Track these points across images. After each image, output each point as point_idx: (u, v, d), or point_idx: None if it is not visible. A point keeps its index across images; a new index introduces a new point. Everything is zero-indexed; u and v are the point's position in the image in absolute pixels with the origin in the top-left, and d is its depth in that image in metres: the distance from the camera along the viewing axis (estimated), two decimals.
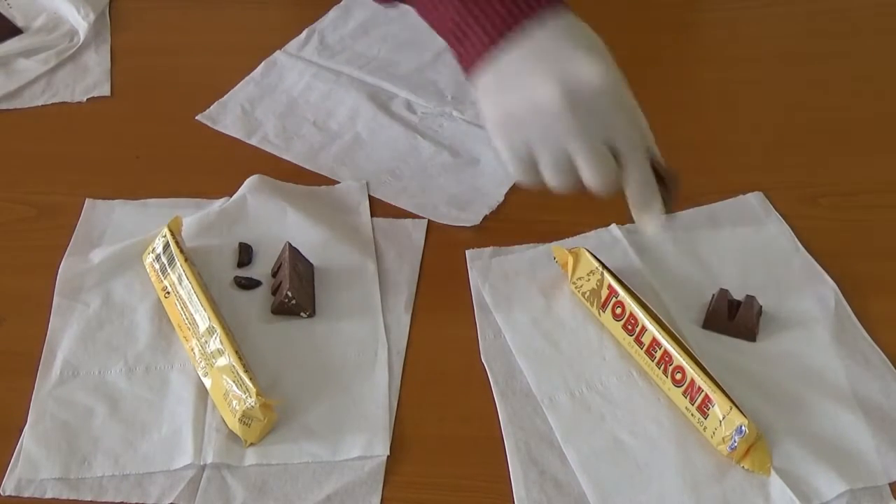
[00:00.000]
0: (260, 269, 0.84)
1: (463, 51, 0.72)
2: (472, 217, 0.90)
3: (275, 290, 0.81)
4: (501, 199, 0.91)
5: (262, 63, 1.08)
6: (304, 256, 0.83)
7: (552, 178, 0.72)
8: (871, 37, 1.11)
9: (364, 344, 0.78)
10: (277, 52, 1.10)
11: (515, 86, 0.69)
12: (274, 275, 0.83)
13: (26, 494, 0.69)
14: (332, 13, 1.16)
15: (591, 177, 0.70)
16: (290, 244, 0.83)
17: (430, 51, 1.10)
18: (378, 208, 0.90)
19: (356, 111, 1.02)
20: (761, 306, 0.78)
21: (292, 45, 1.11)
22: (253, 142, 0.98)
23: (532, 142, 0.70)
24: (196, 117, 1.01)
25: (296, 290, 0.79)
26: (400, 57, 1.09)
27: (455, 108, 1.02)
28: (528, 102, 0.69)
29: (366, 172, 0.94)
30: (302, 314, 0.80)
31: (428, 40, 1.12)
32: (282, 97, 1.04)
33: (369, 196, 0.92)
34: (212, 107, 1.02)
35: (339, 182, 0.93)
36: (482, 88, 0.71)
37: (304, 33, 1.13)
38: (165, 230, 0.83)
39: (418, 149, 0.97)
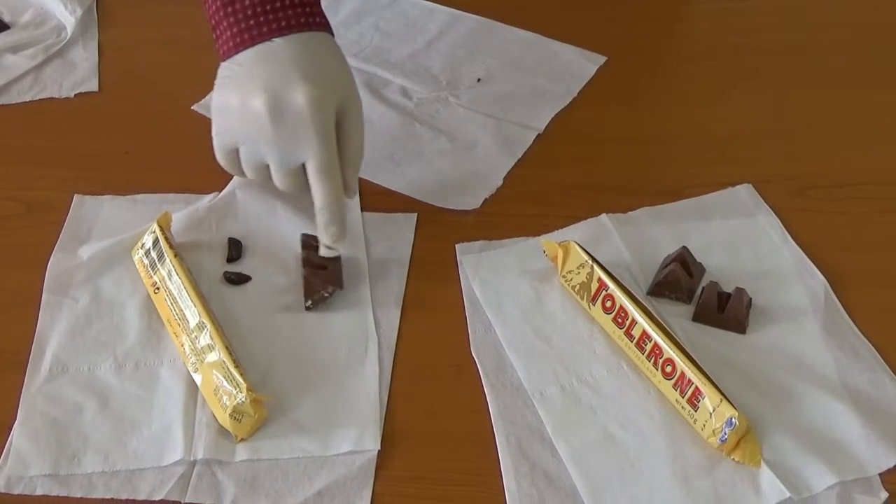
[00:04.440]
0: (249, 264, 0.84)
1: (217, 46, 0.82)
2: (472, 201, 0.90)
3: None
4: (500, 182, 0.92)
5: None
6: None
7: (248, 172, 0.82)
8: (861, 29, 1.11)
9: (354, 338, 0.78)
10: None
11: (239, 86, 0.78)
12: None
13: (16, 491, 0.69)
14: (323, 2, 1.15)
15: (278, 184, 0.81)
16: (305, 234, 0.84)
17: (422, 37, 1.10)
18: (368, 202, 0.90)
19: None
20: (751, 298, 0.78)
21: None
22: None
23: (237, 139, 0.80)
24: (192, 107, 1.01)
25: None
26: (393, 44, 1.09)
27: (450, 93, 1.02)
28: (242, 103, 0.78)
29: (364, 159, 0.94)
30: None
31: (421, 27, 1.12)
32: None
33: (366, 184, 0.91)
34: (208, 96, 1.01)
35: None
36: (218, 77, 0.81)
37: None
38: (155, 226, 0.83)
39: (415, 135, 0.98)
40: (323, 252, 0.81)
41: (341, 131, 0.80)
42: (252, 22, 0.79)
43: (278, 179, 0.81)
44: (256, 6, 0.79)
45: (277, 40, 0.78)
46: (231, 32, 0.79)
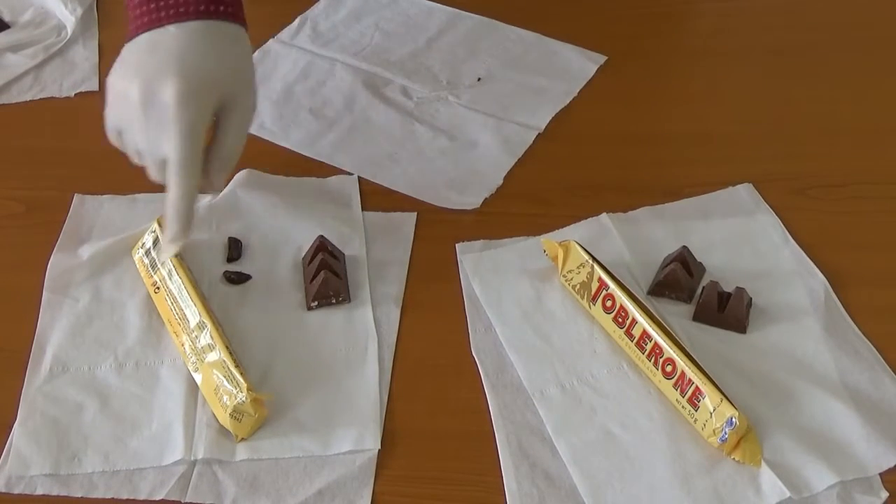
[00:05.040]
0: (249, 263, 0.84)
1: (129, 25, 0.80)
2: (472, 200, 0.90)
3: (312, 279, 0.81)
4: (500, 182, 0.92)
5: (256, 52, 1.08)
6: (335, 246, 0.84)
7: (130, 156, 0.82)
8: (861, 29, 1.11)
9: (354, 338, 0.78)
10: (270, 40, 1.10)
11: (124, 71, 0.78)
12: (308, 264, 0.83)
13: (16, 491, 0.69)
14: (324, 1, 1.16)
15: (150, 173, 0.80)
16: (322, 236, 0.84)
17: (423, 36, 1.10)
18: (368, 201, 0.90)
19: (352, 98, 1.02)
20: (751, 298, 0.78)
21: (285, 33, 1.11)
22: (251, 130, 0.98)
23: (119, 121, 0.80)
24: None
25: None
26: (393, 43, 1.09)
27: (451, 92, 1.02)
28: (123, 88, 0.77)
29: (364, 158, 0.94)
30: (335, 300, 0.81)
31: (421, 26, 1.12)
32: (277, 85, 1.04)
33: (366, 184, 0.92)
34: None
35: (337, 168, 0.94)
36: (120, 55, 0.80)
37: (297, 21, 1.13)
38: (155, 225, 0.83)
39: (415, 134, 0.98)
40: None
41: (218, 128, 0.79)
42: (153, 5, 0.78)
43: (149, 168, 0.80)
44: None
45: (171, 28, 0.77)
46: (134, 15, 0.79)
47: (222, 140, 0.80)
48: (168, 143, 0.76)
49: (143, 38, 0.78)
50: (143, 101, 0.75)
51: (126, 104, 0.77)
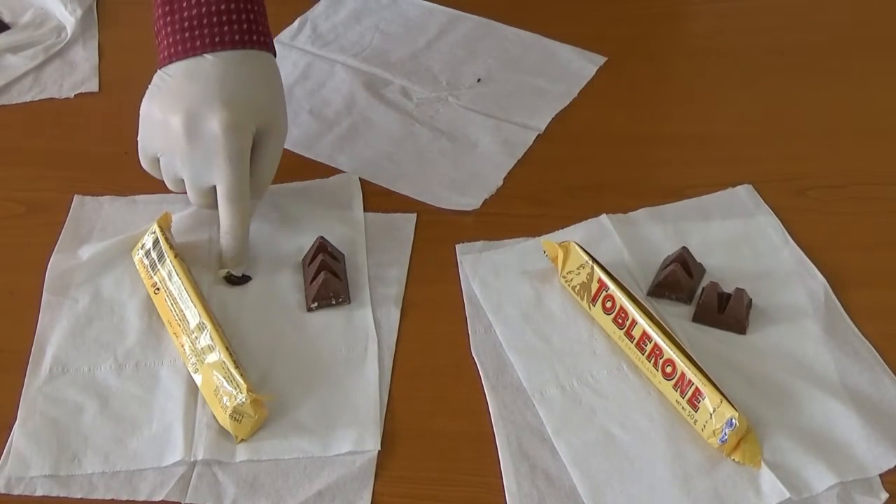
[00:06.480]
0: (250, 264, 0.84)
1: (158, 52, 0.83)
2: (472, 201, 0.90)
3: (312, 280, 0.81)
4: (500, 182, 0.92)
5: None
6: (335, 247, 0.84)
7: (167, 183, 0.84)
8: (861, 29, 1.11)
9: (354, 339, 0.78)
10: None
11: (163, 99, 0.80)
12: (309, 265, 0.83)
13: (16, 492, 0.69)
14: (324, 2, 1.16)
15: (191, 199, 0.83)
16: (322, 237, 0.83)
17: (423, 37, 1.10)
18: (368, 202, 0.90)
19: (352, 99, 1.02)
20: (751, 299, 0.78)
21: (285, 34, 1.11)
22: None
23: (157, 149, 0.82)
24: None
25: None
26: (393, 44, 1.09)
27: (451, 93, 1.02)
28: (163, 117, 0.79)
29: (364, 159, 0.94)
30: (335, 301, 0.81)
31: (420, 27, 1.12)
32: None
33: (366, 185, 0.92)
34: None
35: (337, 169, 0.94)
36: (151, 84, 0.82)
37: (297, 22, 1.13)
38: (155, 226, 0.83)
39: (415, 135, 0.98)
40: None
41: (255, 153, 0.81)
42: (188, 34, 0.79)
43: (191, 195, 0.82)
44: (194, 18, 0.79)
45: (209, 56, 0.79)
46: (168, 42, 0.80)
47: (259, 164, 0.82)
48: (218, 172, 0.78)
49: (179, 66, 0.79)
50: (188, 130, 0.77)
51: (167, 133, 0.79)
